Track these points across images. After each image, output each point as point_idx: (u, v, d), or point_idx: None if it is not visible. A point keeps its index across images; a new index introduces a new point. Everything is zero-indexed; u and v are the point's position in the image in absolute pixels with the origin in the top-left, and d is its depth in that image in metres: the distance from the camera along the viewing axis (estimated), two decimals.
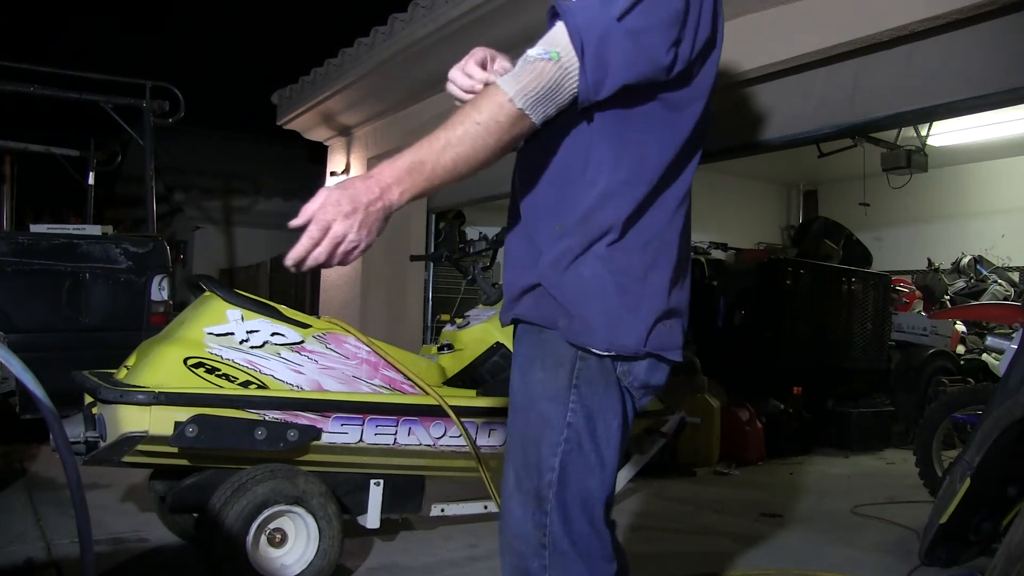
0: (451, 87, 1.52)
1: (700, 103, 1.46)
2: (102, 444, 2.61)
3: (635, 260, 1.41)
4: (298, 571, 2.73)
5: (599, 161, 1.40)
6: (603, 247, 1.40)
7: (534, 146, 1.47)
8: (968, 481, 2.80)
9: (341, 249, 1.23)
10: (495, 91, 1.29)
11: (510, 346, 3.24)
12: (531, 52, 1.32)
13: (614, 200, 1.40)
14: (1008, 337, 4.22)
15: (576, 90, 1.31)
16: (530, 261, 1.47)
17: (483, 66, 1.50)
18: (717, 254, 7.60)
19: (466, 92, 1.48)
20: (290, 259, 1.23)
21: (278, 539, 2.74)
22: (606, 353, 1.40)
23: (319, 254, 1.22)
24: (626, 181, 1.40)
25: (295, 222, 1.23)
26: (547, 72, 1.29)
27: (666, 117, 1.42)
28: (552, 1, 1.37)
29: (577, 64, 1.29)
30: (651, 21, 1.31)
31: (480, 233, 3.97)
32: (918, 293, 7.79)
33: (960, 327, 7.41)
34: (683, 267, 1.50)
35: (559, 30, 1.31)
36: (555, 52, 1.30)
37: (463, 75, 1.49)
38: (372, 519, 2.97)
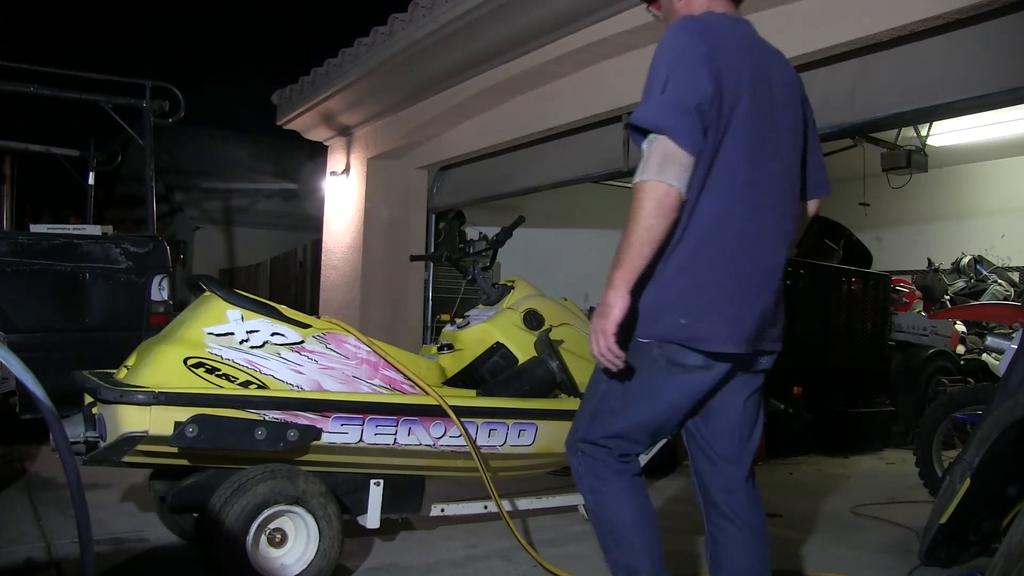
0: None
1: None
2: (102, 444, 2.61)
3: (669, 267, 1.88)
4: (298, 571, 2.73)
5: None
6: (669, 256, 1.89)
7: None
8: (968, 481, 2.80)
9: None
10: (636, 187, 1.77)
11: (510, 346, 3.26)
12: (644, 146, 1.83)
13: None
14: (1008, 337, 4.21)
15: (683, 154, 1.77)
16: None
17: None
18: None
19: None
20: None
21: (278, 539, 2.74)
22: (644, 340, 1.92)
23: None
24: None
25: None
26: (656, 149, 1.77)
27: None
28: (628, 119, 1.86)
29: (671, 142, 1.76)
30: (681, 78, 1.78)
31: (480, 233, 3.97)
32: (918, 293, 7.79)
33: (960, 327, 7.41)
34: (722, 274, 1.92)
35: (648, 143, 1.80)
36: (652, 136, 1.79)
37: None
38: (372, 519, 2.97)
